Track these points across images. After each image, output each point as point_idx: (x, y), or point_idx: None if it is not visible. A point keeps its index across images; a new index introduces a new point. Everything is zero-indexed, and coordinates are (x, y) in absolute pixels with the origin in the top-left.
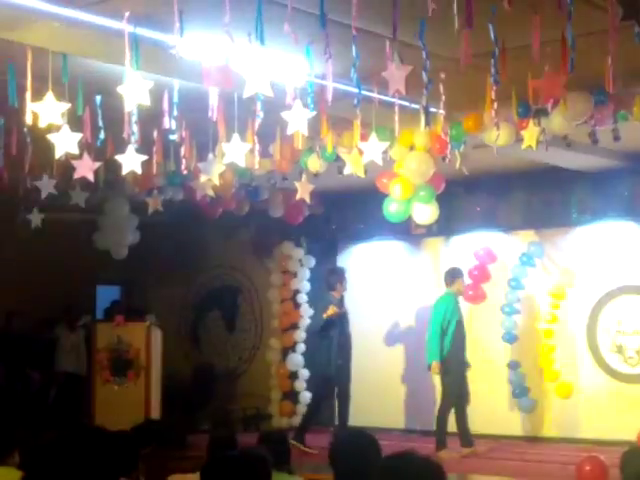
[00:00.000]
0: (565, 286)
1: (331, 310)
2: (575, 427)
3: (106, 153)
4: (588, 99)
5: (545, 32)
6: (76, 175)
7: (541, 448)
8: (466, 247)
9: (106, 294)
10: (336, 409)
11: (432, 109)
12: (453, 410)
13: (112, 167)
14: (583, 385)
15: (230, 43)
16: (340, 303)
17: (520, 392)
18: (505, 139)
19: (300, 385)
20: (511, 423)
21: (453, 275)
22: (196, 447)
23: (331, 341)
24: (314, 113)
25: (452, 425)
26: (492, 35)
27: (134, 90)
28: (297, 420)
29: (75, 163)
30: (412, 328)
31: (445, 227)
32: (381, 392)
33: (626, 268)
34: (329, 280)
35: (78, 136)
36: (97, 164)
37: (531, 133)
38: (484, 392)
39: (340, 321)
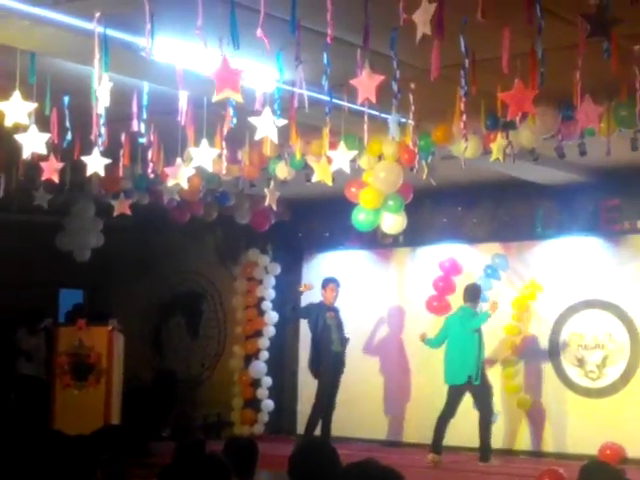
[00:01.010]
0: (529, 299)
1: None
2: (537, 440)
3: (73, 154)
4: (556, 113)
5: (515, 45)
6: (43, 176)
7: (502, 461)
8: (432, 258)
9: (69, 297)
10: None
11: (401, 119)
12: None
13: (79, 169)
14: (545, 398)
15: (202, 47)
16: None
17: None
18: (473, 151)
19: (262, 393)
20: (473, 436)
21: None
22: (157, 454)
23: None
24: (284, 122)
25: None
26: (462, 47)
27: (103, 91)
28: (259, 428)
29: (42, 164)
30: (377, 337)
31: (411, 238)
32: (342, 401)
33: (589, 283)
34: None
35: (46, 136)
36: (61, 165)
37: (499, 146)
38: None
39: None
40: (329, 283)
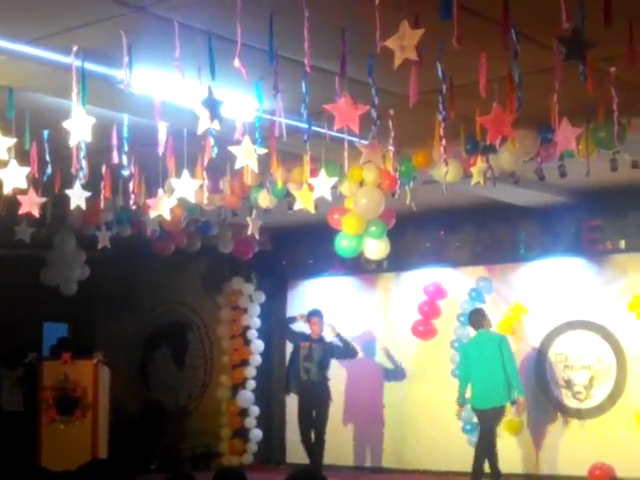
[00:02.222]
0: (514, 321)
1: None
2: (526, 463)
3: (54, 188)
4: (535, 136)
5: (492, 70)
6: (21, 211)
7: None
8: (416, 283)
9: (53, 331)
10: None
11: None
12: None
13: (60, 202)
14: (532, 420)
15: (180, 78)
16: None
17: (470, 428)
18: (454, 175)
19: (251, 422)
20: (461, 459)
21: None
22: None
23: None
24: (265, 151)
25: None
26: (440, 73)
27: (80, 125)
28: (248, 458)
29: (21, 198)
30: (363, 364)
31: (395, 263)
32: (332, 427)
33: (574, 304)
34: None
35: (25, 171)
36: (42, 199)
37: (479, 169)
38: (434, 428)
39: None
40: (311, 317)
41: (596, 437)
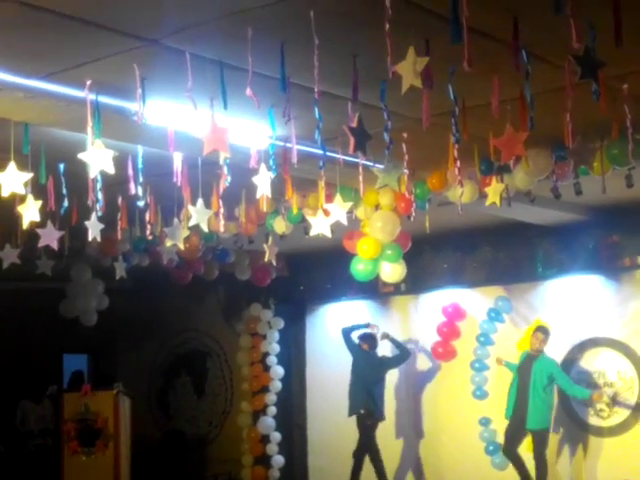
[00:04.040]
0: None
1: None
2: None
3: (71, 221)
4: (549, 155)
5: (504, 91)
6: (40, 243)
7: None
8: (435, 304)
9: (73, 362)
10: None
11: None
12: None
13: (77, 234)
14: (555, 439)
15: (192, 109)
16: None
17: (493, 449)
18: (469, 196)
19: (272, 449)
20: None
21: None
22: None
23: None
24: (274, 175)
25: None
26: (451, 95)
27: (96, 158)
28: None
29: (40, 231)
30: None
31: (413, 285)
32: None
33: (594, 321)
34: None
35: (39, 204)
36: (61, 232)
37: (494, 190)
38: (457, 449)
39: None
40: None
41: (620, 455)
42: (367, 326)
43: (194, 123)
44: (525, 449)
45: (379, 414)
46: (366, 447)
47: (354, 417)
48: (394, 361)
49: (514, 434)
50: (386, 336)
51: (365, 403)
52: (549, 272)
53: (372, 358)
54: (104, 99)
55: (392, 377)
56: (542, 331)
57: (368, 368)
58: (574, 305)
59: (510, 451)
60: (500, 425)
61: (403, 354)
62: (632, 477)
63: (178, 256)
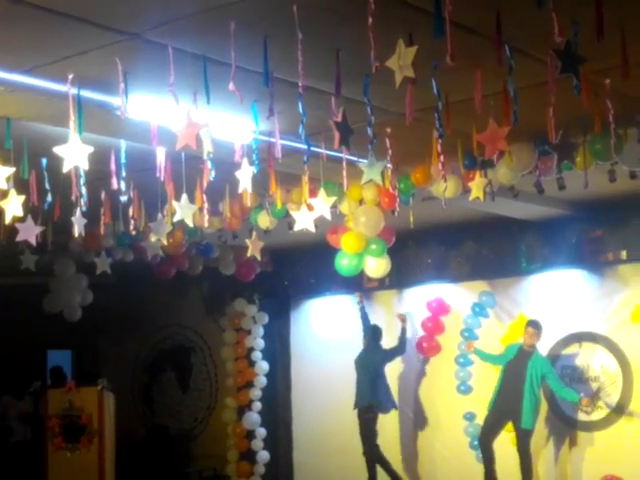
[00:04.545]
0: (518, 335)
1: None
2: (535, 477)
3: (53, 216)
4: (532, 150)
5: (487, 85)
6: (18, 238)
7: None
8: (419, 299)
9: (57, 358)
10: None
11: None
12: None
13: (61, 229)
14: (540, 434)
15: (175, 103)
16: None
17: (478, 444)
18: (453, 191)
19: (257, 445)
20: (469, 475)
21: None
22: None
23: None
24: (257, 170)
25: None
26: (435, 90)
27: (72, 153)
28: None
29: (18, 226)
30: None
31: (397, 280)
32: (338, 450)
33: (577, 316)
34: None
35: (21, 199)
36: (41, 228)
37: (478, 184)
38: (441, 444)
39: None
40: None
41: (605, 449)
42: (358, 302)
43: (177, 117)
44: (509, 443)
45: (382, 407)
46: (365, 439)
47: (340, 412)
48: (391, 354)
49: (493, 426)
50: (404, 320)
51: (369, 397)
52: (533, 267)
53: (373, 351)
54: (86, 93)
55: None
56: (533, 325)
57: (370, 361)
58: (558, 300)
59: (486, 443)
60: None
61: (400, 349)
62: (616, 471)
63: (162, 251)
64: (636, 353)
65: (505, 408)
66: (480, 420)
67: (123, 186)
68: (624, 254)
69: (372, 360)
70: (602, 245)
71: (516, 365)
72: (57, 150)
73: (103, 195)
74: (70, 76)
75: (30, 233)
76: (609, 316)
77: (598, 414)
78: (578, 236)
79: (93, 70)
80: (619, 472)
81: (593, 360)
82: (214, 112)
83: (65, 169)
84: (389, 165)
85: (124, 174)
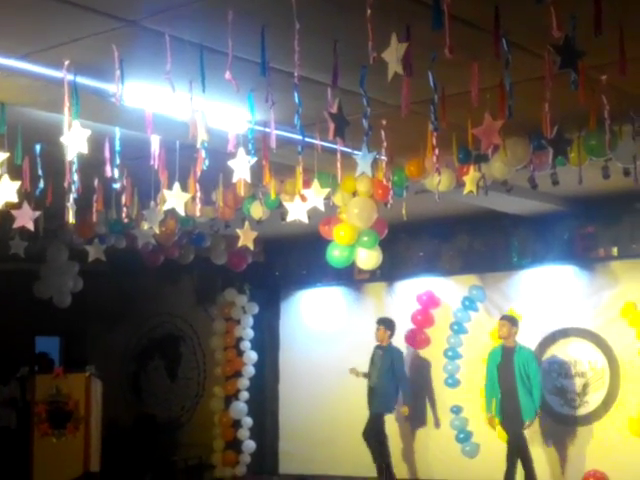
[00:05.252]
0: None
1: None
2: (520, 470)
3: (45, 202)
4: (527, 144)
5: (484, 79)
6: (16, 224)
7: None
8: (409, 292)
9: (45, 345)
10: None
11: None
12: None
13: (53, 216)
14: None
15: (171, 91)
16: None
17: (464, 437)
18: (446, 185)
19: (244, 434)
20: (455, 468)
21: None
22: None
23: None
24: (255, 159)
25: None
26: (431, 82)
27: (74, 139)
28: (241, 470)
29: (15, 212)
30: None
31: (388, 272)
32: (324, 441)
33: (567, 311)
34: None
35: (16, 185)
36: (37, 213)
37: (472, 179)
38: (428, 437)
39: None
40: (377, 324)
41: (590, 444)
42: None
43: (172, 106)
44: (499, 437)
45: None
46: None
47: (327, 403)
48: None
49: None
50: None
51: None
52: (524, 262)
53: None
54: (82, 80)
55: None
56: (504, 318)
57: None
58: (548, 295)
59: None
60: (471, 413)
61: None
62: (600, 466)
63: (154, 239)
64: (624, 350)
65: (509, 409)
66: (466, 413)
67: (116, 174)
68: (615, 251)
69: (380, 356)
70: (594, 241)
71: (505, 365)
72: (63, 139)
73: (96, 182)
74: (66, 62)
75: (26, 219)
76: (599, 312)
77: (584, 409)
78: (570, 232)
79: (89, 57)
80: (603, 467)
81: (581, 356)
82: (210, 101)
83: (70, 156)
84: (383, 157)
85: (118, 162)
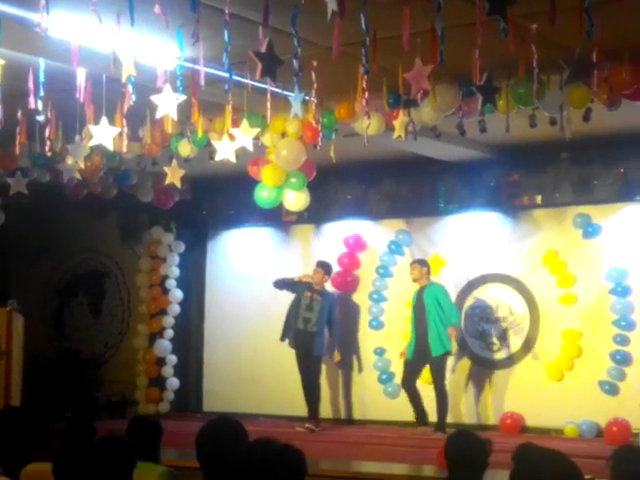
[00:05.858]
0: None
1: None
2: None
3: None
4: (456, 91)
5: (415, 23)
6: None
7: (404, 432)
8: (336, 235)
9: None
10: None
11: (304, 97)
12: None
13: None
14: (447, 371)
15: (97, 24)
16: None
17: (386, 378)
18: (376, 128)
19: (168, 371)
20: (378, 409)
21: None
22: (59, 435)
23: None
24: (184, 97)
25: None
26: (363, 25)
27: None
28: (164, 407)
29: None
30: (281, 315)
31: (316, 214)
32: (247, 380)
33: (490, 257)
34: None
35: None
36: None
37: (401, 123)
38: (352, 378)
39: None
40: (315, 267)
41: (508, 387)
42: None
43: (100, 38)
44: (424, 381)
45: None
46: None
47: (251, 343)
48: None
49: (413, 368)
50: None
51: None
52: (450, 207)
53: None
54: (4, 7)
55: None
56: (415, 262)
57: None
58: (472, 241)
59: (409, 385)
60: (394, 355)
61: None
62: (517, 409)
63: (79, 175)
64: (544, 296)
65: (421, 348)
66: (389, 355)
67: (40, 106)
68: (539, 199)
69: (320, 302)
70: (518, 189)
71: (418, 305)
72: None
73: (20, 114)
74: None
75: None
76: (521, 259)
77: (503, 353)
78: (496, 179)
79: None
80: (520, 410)
81: (502, 301)
82: (138, 35)
83: None
84: (314, 99)
85: (42, 93)
